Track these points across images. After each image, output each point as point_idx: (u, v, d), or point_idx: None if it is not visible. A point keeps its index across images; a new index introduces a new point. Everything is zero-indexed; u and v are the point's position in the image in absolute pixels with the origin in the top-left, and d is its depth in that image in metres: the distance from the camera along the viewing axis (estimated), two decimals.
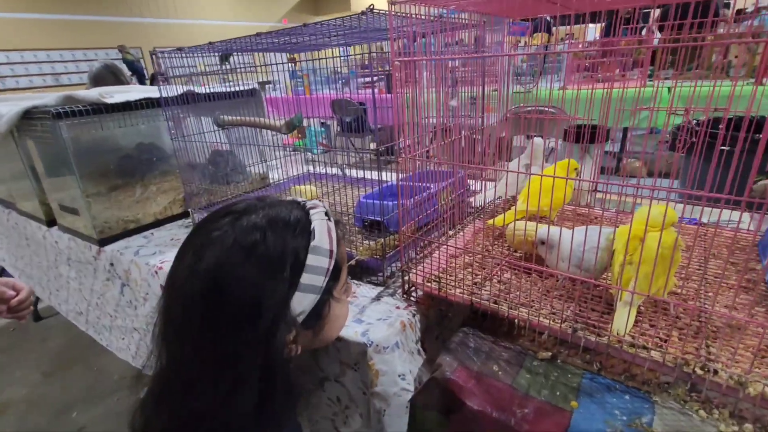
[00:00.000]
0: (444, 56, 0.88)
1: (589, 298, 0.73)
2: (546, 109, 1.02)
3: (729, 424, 0.55)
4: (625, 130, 2.43)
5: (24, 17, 6.90)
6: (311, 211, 0.58)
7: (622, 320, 0.63)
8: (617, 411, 0.59)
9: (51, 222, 1.46)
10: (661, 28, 0.89)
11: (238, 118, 1.28)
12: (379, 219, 0.92)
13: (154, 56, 1.18)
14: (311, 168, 1.60)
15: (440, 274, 0.82)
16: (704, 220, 0.91)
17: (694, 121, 0.86)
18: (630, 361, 0.63)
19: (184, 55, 1.13)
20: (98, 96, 1.20)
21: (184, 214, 1.43)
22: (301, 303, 0.53)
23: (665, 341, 0.62)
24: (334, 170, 1.59)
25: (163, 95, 1.20)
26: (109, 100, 1.21)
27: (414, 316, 0.80)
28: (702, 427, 0.55)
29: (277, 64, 1.08)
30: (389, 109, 0.76)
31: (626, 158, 1.67)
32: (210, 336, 0.49)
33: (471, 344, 0.74)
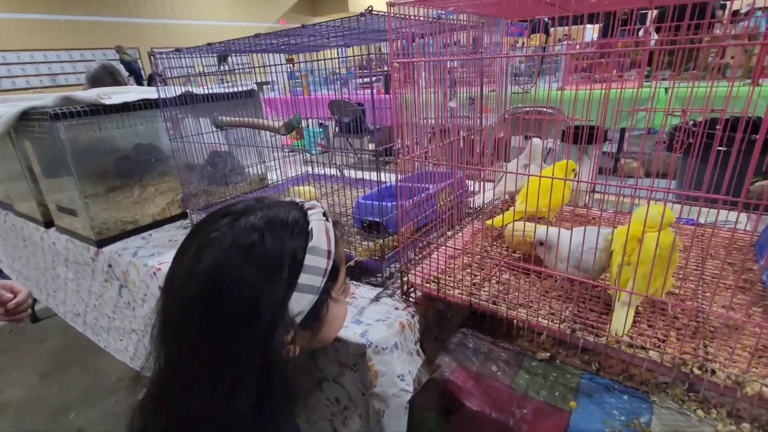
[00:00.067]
0: (442, 57, 0.88)
1: (588, 298, 0.73)
2: (544, 109, 1.02)
3: (726, 423, 0.55)
4: (623, 130, 2.44)
5: (21, 17, 6.88)
6: (309, 212, 0.58)
7: (621, 320, 0.63)
8: (616, 411, 0.59)
9: (48, 223, 1.45)
10: (658, 29, 0.89)
11: (237, 119, 1.28)
12: (378, 220, 0.92)
13: (152, 57, 1.18)
14: (310, 169, 1.60)
15: (439, 275, 0.82)
16: (701, 220, 0.92)
17: (691, 122, 0.86)
18: (628, 362, 0.63)
19: (182, 55, 1.13)
20: (96, 97, 1.20)
21: (183, 215, 1.43)
22: (299, 303, 0.53)
23: (663, 341, 0.62)
24: (333, 171, 1.59)
25: (162, 96, 1.20)
26: (108, 101, 1.21)
27: (413, 316, 0.80)
28: (700, 426, 0.55)
29: (275, 65, 1.08)
30: (388, 109, 0.76)
31: (624, 159, 1.67)
32: (208, 337, 0.49)
33: (470, 345, 0.75)
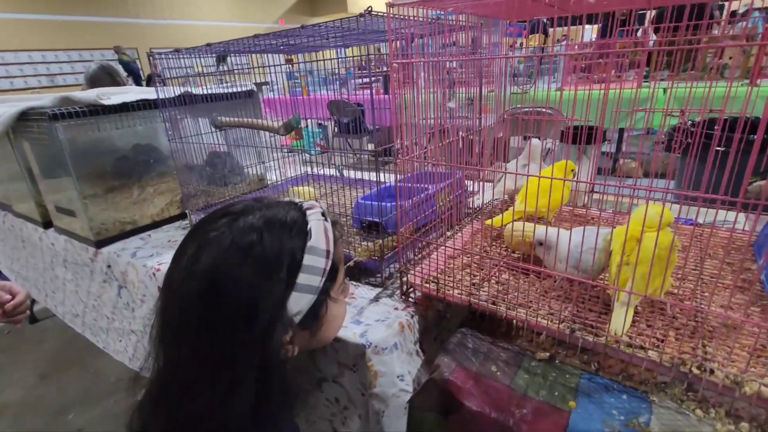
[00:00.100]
0: (441, 58, 0.88)
1: (587, 298, 0.73)
2: (543, 110, 1.02)
3: (725, 423, 0.55)
4: (621, 131, 2.44)
5: (19, 18, 6.87)
6: (308, 212, 0.58)
7: (620, 320, 0.63)
8: (615, 411, 0.59)
9: (47, 224, 1.45)
10: (656, 30, 0.89)
11: (236, 119, 1.28)
12: (378, 220, 0.92)
13: (151, 57, 1.18)
14: (309, 169, 1.60)
15: (438, 275, 0.82)
16: (700, 220, 0.92)
17: (690, 122, 0.87)
18: (627, 361, 0.64)
19: (181, 56, 1.13)
20: (95, 97, 1.20)
21: (182, 216, 1.43)
22: (298, 303, 0.53)
23: (662, 341, 0.62)
24: (332, 171, 1.59)
25: (160, 96, 1.20)
26: (107, 102, 1.21)
27: (412, 317, 0.81)
28: (699, 426, 0.55)
29: (274, 65, 1.08)
30: (387, 110, 0.76)
31: (623, 159, 1.67)
32: (207, 337, 0.49)
33: (469, 345, 0.75)
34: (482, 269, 0.87)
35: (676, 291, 0.75)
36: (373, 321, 0.78)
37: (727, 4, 0.76)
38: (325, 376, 0.80)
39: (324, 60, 1.05)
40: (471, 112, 0.99)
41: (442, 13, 0.80)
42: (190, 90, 1.22)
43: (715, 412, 0.57)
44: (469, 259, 0.90)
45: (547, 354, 0.70)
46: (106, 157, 1.28)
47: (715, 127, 0.63)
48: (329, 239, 0.57)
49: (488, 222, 0.97)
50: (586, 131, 0.98)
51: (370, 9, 0.74)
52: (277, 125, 1.16)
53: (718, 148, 0.60)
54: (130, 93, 1.32)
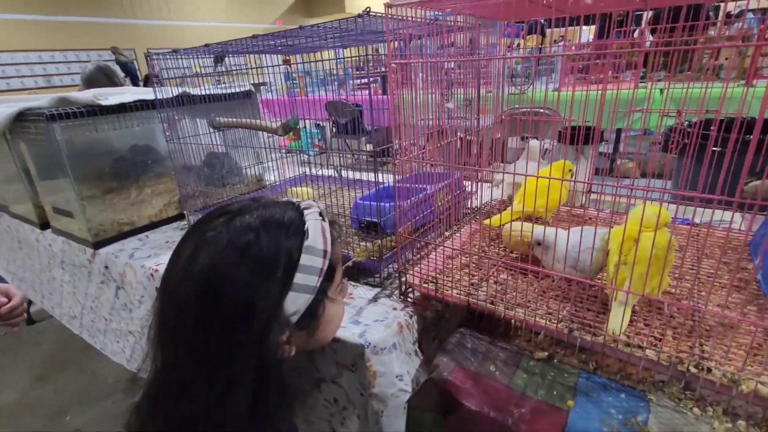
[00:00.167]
0: (439, 58, 0.89)
1: (585, 298, 0.73)
2: (541, 110, 1.03)
3: (722, 421, 0.56)
4: (619, 131, 2.45)
5: (15, 18, 6.84)
6: (305, 212, 0.58)
7: (618, 320, 0.63)
8: (613, 410, 0.59)
9: (44, 225, 1.45)
10: (653, 31, 0.90)
11: (234, 120, 1.28)
12: (376, 220, 0.92)
13: (148, 58, 1.17)
14: (307, 170, 1.60)
15: (437, 275, 0.82)
16: (697, 220, 0.92)
17: (687, 123, 0.87)
18: (625, 360, 0.64)
19: (178, 56, 1.13)
20: (93, 98, 1.19)
21: (180, 217, 1.42)
22: (295, 303, 0.53)
23: (660, 340, 0.63)
24: (331, 172, 1.59)
25: (158, 97, 1.19)
26: (104, 102, 1.20)
27: (411, 317, 0.81)
28: (696, 424, 0.56)
29: (271, 66, 1.08)
30: (385, 110, 0.76)
31: (620, 159, 1.68)
32: (204, 337, 0.49)
33: (468, 345, 0.75)
34: (481, 269, 0.87)
35: (673, 290, 0.75)
36: (371, 321, 0.78)
37: (722, 5, 0.76)
38: (323, 376, 0.80)
39: (322, 60, 1.05)
40: (469, 113, 1.00)
41: (440, 13, 0.80)
42: (187, 90, 1.21)
43: (713, 410, 0.57)
44: (468, 259, 0.90)
45: (546, 353, 0.70)
46: (103, 157, 1.28)
47: (712, 128, 0.63)
48: (326, 239, 0.57)
49: (486, 222, 0.97)
50: (584, 132, 0.99)
51: (368, 10, 0.74)
52: (275, 126, 1.16)
53: (714, 149, 0.60)
54: (128, 93, 1.32)
